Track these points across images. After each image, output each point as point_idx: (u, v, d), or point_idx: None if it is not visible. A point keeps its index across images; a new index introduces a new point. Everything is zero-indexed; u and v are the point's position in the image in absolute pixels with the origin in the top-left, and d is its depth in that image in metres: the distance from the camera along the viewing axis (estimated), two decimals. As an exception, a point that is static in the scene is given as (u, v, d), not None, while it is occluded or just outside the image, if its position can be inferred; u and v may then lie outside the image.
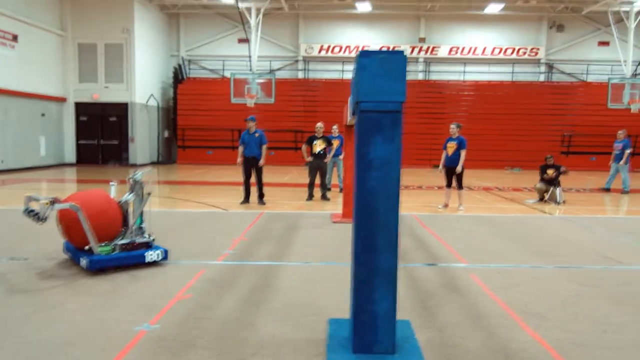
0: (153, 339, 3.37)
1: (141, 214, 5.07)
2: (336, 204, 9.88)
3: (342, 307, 3.85)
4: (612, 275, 5.19)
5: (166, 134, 24.10)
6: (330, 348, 3.24)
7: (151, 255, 4.92)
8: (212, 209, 9.52)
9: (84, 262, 4.68)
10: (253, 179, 9.96)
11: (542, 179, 11.16)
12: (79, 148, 20.99)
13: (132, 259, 4.87)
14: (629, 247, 6.64)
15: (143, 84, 21.39)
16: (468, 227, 7.88)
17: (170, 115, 24.18)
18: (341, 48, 23.89)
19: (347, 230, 7.11)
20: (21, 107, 17.68)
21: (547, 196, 11.02)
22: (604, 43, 23.50)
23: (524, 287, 4.73)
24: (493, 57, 23.90)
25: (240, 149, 9.80)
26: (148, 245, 5.00)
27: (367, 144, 3.05)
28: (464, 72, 23.96)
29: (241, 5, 19.29)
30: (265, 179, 14.19)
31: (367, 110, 3.03)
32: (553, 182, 10.95)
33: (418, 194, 12.57)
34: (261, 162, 9.73)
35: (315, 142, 10.53)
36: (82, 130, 20.94)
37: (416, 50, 23.89)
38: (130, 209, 4.99)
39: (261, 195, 9.93)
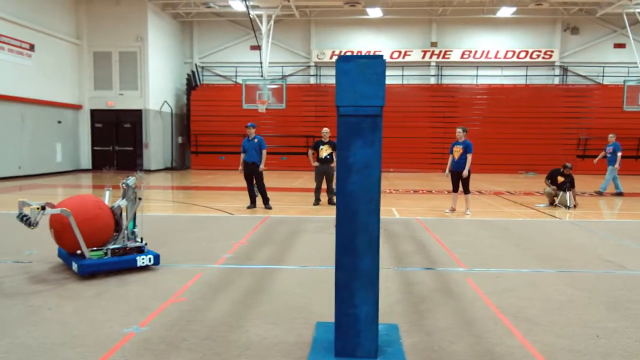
0: (140, 341, 3.43)
1: (134, 219, 5.15)
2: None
3: (333, 311, 3.85)
4: (612, 280, 5.10)
5: (180, 140, 24.38)
6: (314, 351, 3.26)
7: (143, 260, 4.99)
8: (218, 213, 9.61)
9: (75, 266, 4.76)
10: (258, 184, 10.05)
11: (551, 183, 11.04)
12: (94, 154, 21.34)
13: (124, 263, 4.94)
14: (634, 251, 6.51)
15: (157, 91, 21.70)
16: (472, 231, 7.82)
17: (183, 121, 24.47)
18: (353, 53, 23.91)
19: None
20: (38, 114, 18.09)
21: (557, 200, 10.88)
22: (620, 45, 23.10)
23: (520, 291, 4.69)
24: (506, 60, 23.68)
25: (242, 155, 9.92)
26: (140, 250, 5.07)
27: (347, 148, 3.07)
28: (477, 75, 23.79)
29: (252, 12, 19.47)
30: (277, 183, 14.22)
31: (347, 115, 3.05)
32: (563, 186, 10.80)
33: (426, 198, 12.51)
34: (261, 167, 9.84)
35: (321, 147, 10.57)
36: (97, 136, 21.30)
37: (428, 54, 23.80)
38: (124, 214, 5.07)
39: (266, 200, 9.99)
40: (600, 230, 8.02)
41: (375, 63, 3.01)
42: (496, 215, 9.82)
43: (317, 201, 10.70)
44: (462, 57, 23.81)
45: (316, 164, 10.63)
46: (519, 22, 23.32)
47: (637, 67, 19.75)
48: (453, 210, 9.93)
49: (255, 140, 9.90)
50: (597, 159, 14.15)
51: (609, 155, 13.44)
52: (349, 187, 3.09)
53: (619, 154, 13.15)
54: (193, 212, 9.95)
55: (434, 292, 4.65)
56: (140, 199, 5.04)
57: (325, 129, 10.72)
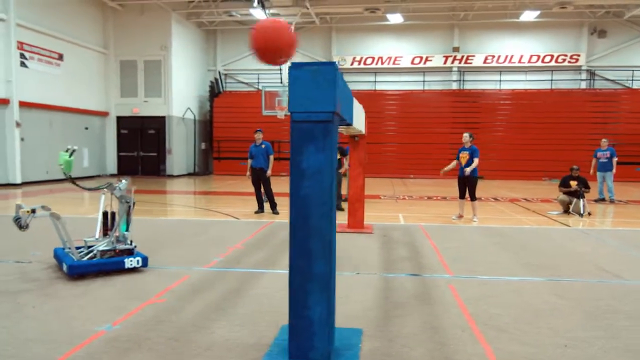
0: (108, 339, 3.56)
1: (127, 222, 5.32)
2: (348, 214, 9.90)
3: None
4: (602, 289, 4.97)
5: (203, 146, 24.86)
6: (269, 353, 3.32)
7: (131, 262, 5.15)
8: (226, 218, 9.78)
9: (65, 267, 4.96)
10: (266, 189, 10.18)
11: (564, 191, 10.79)
12: (120, 159, 22.02)
13: (112, 265, 5.11)
14: (636, 261, 6.31)
15: (180, 98, 22.23)
16: (473, 239, 7.73)
17: (206, 127, 24.95)
18: (374, 59, 23.94)
19: (346, 240, 7.18)
20: (66, 121, 18.79)
21: (571, 208, 10.61)
22: (650, 48, 22.38)
23: (500, 299, 4.62)
24: (530, 64, 23.25)
25: (249, 161, 10.08)
26: (130, 252, 5.24)
27: (300, 153, 3.13)
28: (500, 80, 23.42)
29: (272, 19, 19.75)
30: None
31: (300, 121, 3.11)
32: (577, 194, 10.54)
33: (438, 205, 12.39)
34: (268, 172, 9.96)
35: (329, 153, 10.61)
36: (122, 142, 21.98)
37: (450, 59, 23.59)
38: (116, 217, 5.25)
39: (274, 205, 10.11)
40: (609, 239, 7.79)
41: (326, 69, 3.07)
42: (505, 222, 9.66)
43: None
44: (484, 62, 23.51)
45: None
46: (544, 26, 22.87)
47: (668, 70, 19.11)
48: (460, 217, 9.82)
49: (263, 146, 10.05)
50: (592, 170, 13.43)
51: (603, 160, 13.17)
52: (302, 191, 3.14)
53: (615, 159, 13.21)
54: (202, 217, 10.15)
55: (411, 299, 4.64)
56: (127, 202, 5.22)
57: (333, 135, 10.76)
